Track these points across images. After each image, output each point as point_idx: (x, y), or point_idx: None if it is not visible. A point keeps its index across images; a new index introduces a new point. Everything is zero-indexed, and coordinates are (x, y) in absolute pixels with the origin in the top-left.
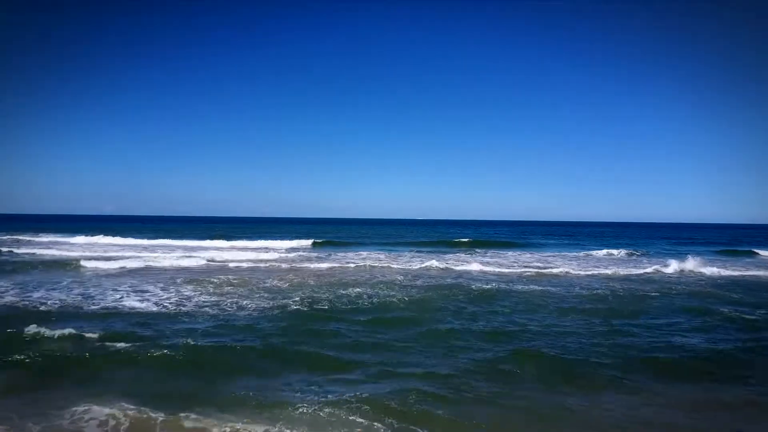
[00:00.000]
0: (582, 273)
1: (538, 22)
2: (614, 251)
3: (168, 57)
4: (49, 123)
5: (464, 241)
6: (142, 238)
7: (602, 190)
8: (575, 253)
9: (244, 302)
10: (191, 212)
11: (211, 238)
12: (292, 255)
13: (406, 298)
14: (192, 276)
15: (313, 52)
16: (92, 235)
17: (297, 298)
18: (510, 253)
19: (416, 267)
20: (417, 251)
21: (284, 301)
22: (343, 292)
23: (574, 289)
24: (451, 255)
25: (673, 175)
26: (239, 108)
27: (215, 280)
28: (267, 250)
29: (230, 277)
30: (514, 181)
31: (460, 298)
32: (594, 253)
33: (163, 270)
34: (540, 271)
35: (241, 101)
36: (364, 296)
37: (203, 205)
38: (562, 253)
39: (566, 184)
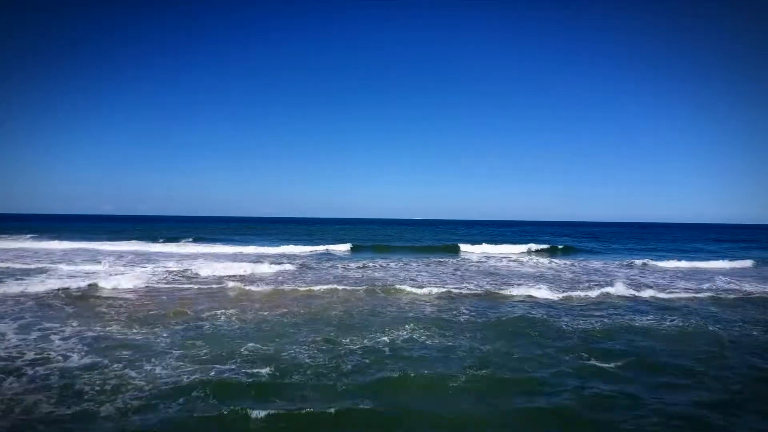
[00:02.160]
0: (731, 296)
1: (537, 22)
2: (720, 263)
3: (166, 56)
4: (43, 122)
5: (536, 249)
6: (103, 240)
7: (601, 189)
8: (651, 262)
9: (147, 366)
10: (191, 212)
11: (189, 240)
12: (276, 268)
13: (479, 366)
14: (105, 297)
15: (313, 52)
16: (18, 240)
17: (242, 360)
18: (573, 261)
19: (476, 291)
20: (439, 260)
21: (215, 367)
22: (342, 349)
23: None
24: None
25: (673, 175)
26: (238, 107)
27: (130, 309)
28: (248, 257)
29: (168, 301)
30: (515, 181)
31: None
32: (687, 264)
33: (74, 291)
34: (677, 295)
35: (240, 100)
36: (387, 366)
37: (202, 205)
38: (628, 261)
39: (566, 183)
